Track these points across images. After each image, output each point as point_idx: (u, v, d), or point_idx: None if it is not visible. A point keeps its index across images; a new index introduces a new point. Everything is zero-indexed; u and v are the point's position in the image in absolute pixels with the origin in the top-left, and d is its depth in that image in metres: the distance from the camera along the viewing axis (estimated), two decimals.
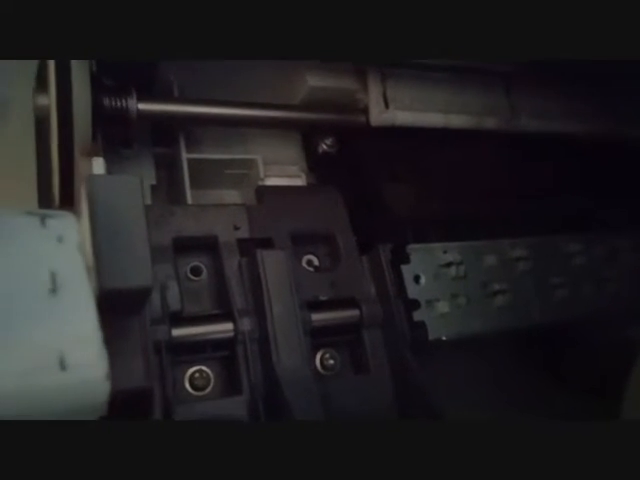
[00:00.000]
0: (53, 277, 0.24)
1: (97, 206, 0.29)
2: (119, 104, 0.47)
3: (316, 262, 0.55)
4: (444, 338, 0.51)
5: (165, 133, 0.55)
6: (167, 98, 0.52)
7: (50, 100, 0.43)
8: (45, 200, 0.46)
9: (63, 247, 0.26)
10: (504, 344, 0.60)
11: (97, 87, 0.46)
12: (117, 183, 0.30)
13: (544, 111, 0.68)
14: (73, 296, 0.25)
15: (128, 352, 0.34)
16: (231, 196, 0.61)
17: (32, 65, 0.49)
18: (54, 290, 0.24)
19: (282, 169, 0.60)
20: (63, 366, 0.23)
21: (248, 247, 0.49)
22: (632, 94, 0.72)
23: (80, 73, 0.44)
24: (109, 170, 0.49)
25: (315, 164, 0.61)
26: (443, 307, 0.53)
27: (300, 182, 0.60)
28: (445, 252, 0.55)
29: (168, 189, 0.57)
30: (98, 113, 0.45)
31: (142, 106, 0.48)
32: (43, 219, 0.26)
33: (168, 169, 0.56)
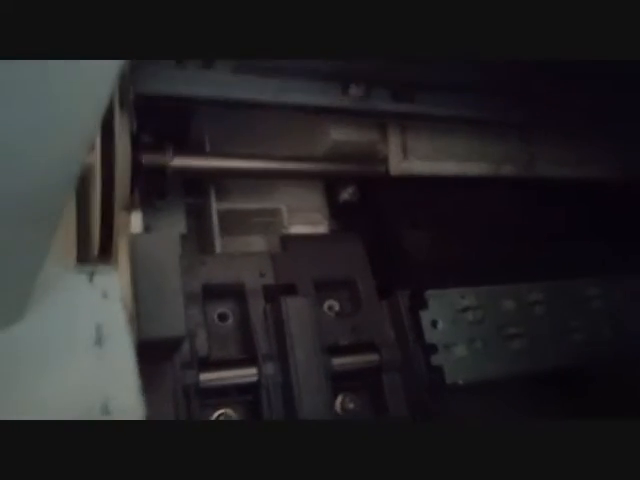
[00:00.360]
0: (99, 329, 0.27)
1: (138, 263, 0.32)
2: (156, 161, 0.50)
3: (337, 307, 0.57)
4: (461, 382, 0.52)
5: (196, 185, 0.58)
6: (199, 153, 0.56)
7: (95, 159, 0.47)
8: (84, 251, 0.49)
9: (107, 302, 0.29)
10: (521, 386, 0.61)
11: (136, 145, 0.49)
12: (156, 241, 0.34)
13: (560, 158, 0.70)
14: (116, 347, 0.27)
15: (161, 397, 0.36)
16: (257, 242, 0.64)
17: None
18: (99, 342, 0.27)
19: (306, 217, 0.63)
20: (106, 411, 0.26)
21: (273, 293, 0.52)
22: None
23: (122, 131, 0.48)
24: (143, 221, 0.53)
25: (337, 212, 0.64)
26: (460, 351, 0.54)
27: (323, 229, 0.63)
28: (462, 297, 0.57)
29: (198, 237, 0.60)
30: (137, 169, 0.49)
31: (177, 162, 0.52)
32: (91, 275, 0.29)
33: (198, 218, 0.60)
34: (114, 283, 0.29)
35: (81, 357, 0.27)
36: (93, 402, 0.26)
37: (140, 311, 0.31)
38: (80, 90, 0.21)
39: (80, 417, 0.26)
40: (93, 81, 0.21)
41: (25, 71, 0.20)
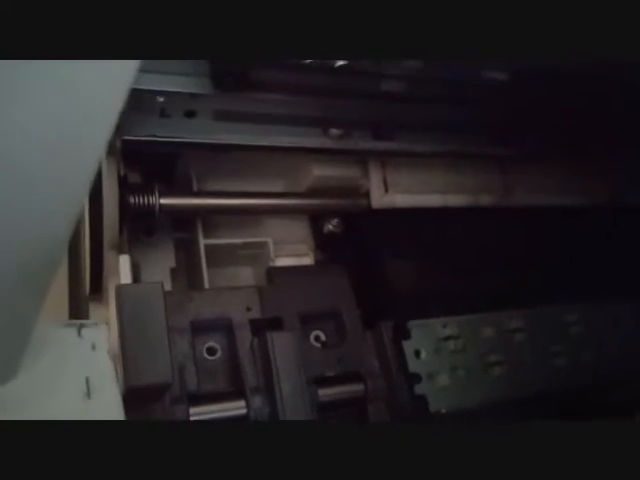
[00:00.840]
0: (87, 382, 0.29)
1: (124, 313, 0.34)
2: (144, 201, 0.52)
3: (323, 337, 0.59)
4: (444, 411, 0.54)
5: (184, 220, 0.60)
6: (186, 192, 0.58)
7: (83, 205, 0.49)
8: (75, 292, 0.51)
9: (96, 354, 0.30)
10: (506, 410, 0.62)
11: (124, 186, 0.51)
12: (142, 291, 0.35)
13: (538, 186, 0.72)
14: (104, 398, 0.29)
15: None
16: (245, 273, 0.65)
17: None
18: (88, 394, 0.28)
19: (291, 248, 0.64)
20: None
21: (260, 327, 0.53)
22: (627, 164, 0.76)
23: (109, 174, 0.50)
24: (133, 258, 0.55)
25: (322, 243, 0.66)
26: (443, 380, 0.56)
27: (308, 260, 0.65)
28: (444, 326, 0.58)
29: (187, 270, 0.62)
30: (125, 210, 0.51)
31: (164, 201, 0.53)
32: (79, 329, 0.31)
33: (186, 252, 0.61)
34: (101, 335, 0.31)
35: (72, 409, 0.28)
36: None
37: (127, 360, 0.32)
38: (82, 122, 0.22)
39: None
40: (97, 111, 0.22)
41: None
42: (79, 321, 0.32)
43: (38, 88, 0.21)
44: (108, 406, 0.29)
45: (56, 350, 0.29)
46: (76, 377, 0.29)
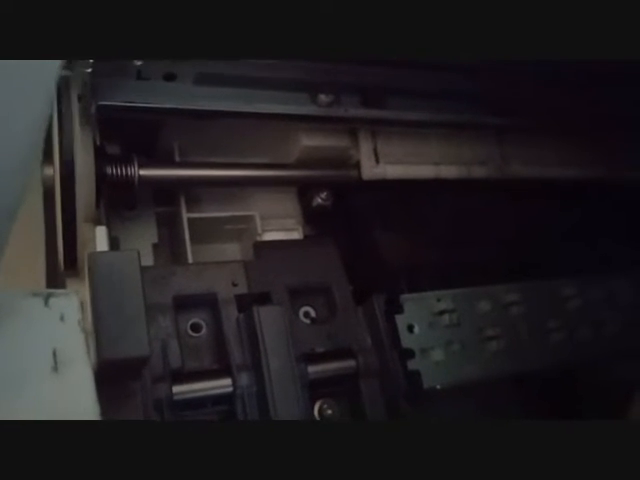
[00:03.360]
0: (55, 355, 0.27)
1: (98, 282, 0.31)
2: (122, 172, 0.49)
3: (313, 313, 0.57)
4: (438, 387, 0.52)
5: (166, 194, 0.57)
6: (167, 163, 0.55)
7: (54, 170, 0.46)
8: (52, 266, 0.48)
9: (65, 325, 0.28)
10: (500, 390, 0.61)
11: (100, 157, 0.49)
12: (116, 259, 0.33)
13: (536, 158, 0.70)
14: (74, 373, 0.27)
15: (129, 414, 0.36)
16: (231, 249, 0.63)
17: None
18: (56, 368, 0.26)
19: (279, 223, 0.62)
20: None
21: (246, 303, 0.51)
22: (625, 140, 0.74)
23: (84, 143, 0.47)
24: (113, 232, 0.52)
25: (311, 217, 0.64)
26: (438, 355, 0.54)
27: (297, 235, 0.63)
28: (438, 300, 0.56)
29: (170, 246, 0.59)
30: (101, 181, 0.48)
31: (143, 172, 0.51)
32: (47, 299, 0.28)
33: (169, 227, 0.59)
34: (72, 306, 0.29)
35: (38, 384, 0.26)
36: None
37: (100, 332, 0.30)
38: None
39: None
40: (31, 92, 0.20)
41: None
42: (46, 290, 0.29)
43: None
44: (78, 381, 0.27)
45: (20, 321, 0.27)
46: (43, 350, 0.26)
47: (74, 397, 0.26)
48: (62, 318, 0.28)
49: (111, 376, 0.31)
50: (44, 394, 0.26)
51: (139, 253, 0.34)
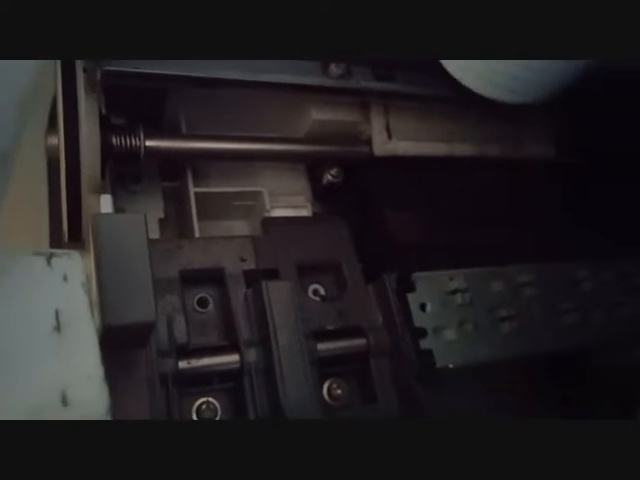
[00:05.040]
0: (57, 315, 0.25)
1: (102, 244, 0.30)
2: (127, 143, 0.48)
3: (322, 291, 0.55)
4: (451, 366, 0.51)
5: (173, 167, 0.56)
6: (174, 135, 0.54)
7: (59, 139, 0.45)
8: (56, 237, 0.47)
9: (67, 286, 0.27)
10: (512, 371, 0.59)
11: (106, 127, 0.47)
12: (122, 221, 0.32)
13: (548, 138, 0.69)
14: (76, 334, 0.26)
15: (133, 385, 0.34)
16: (239, 226, 0.62)
17: (46, 106, 0.51)
18: (58, 328, 0.25)
19: (288, 200, 0.61)
20: (65, 402, 0.24)
21: (254, 278, 0.50)
22: None
23: (89, 113, 0.46)
24: (119, 205, 0.51)
25: (320, 194, 0.62)
26: (450, 335, 0.53)
27: (306, 212, 0.61)
28: (451, 279, 0.55)
29: (176, 221, 0.58)
30: (107, 152, 0.47)
31: (150, 143, 0.49)
32: (49, 259, 0.27)
33: (176, 202, 0.57)
34: (76, 266, 0.28)
35: (39, 344, 0.25)
36: (52, 392, 0.24)
37: (105, 296, 0.29)
38: None
39: (39, 410, 0.25)
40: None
41: None
42: (49, 250, 0.28)
43: None
44: (81, 342, 0.26)
45: (21, 281, 0.26)
46: (44, 309, 0.25)
47: (77, 358, 0.25)
48: (65, 278, 0.27)
49: (116, 344, 0.30)
50: (45, 354, 0.25)
51: (146, 217, 0.33)
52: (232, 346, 0.47)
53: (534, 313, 0.57)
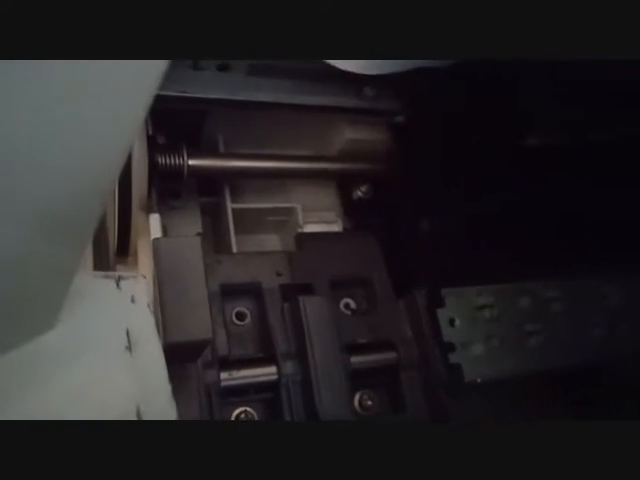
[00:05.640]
0: (128, 335, 0.27)
1: (162, 267, 0.32)
2: (172, 162, 0.50)
3: (353, 305, 0.57)
4: (479, 380, 0.52)
5: (211, 184, 0.58)
6: (213, 154, 0.56)
7: None
8: (100, 251, 0.49)
9: (135, 307, 0.29)
10: (540, 384, 0.61)
11: (152, 146, 0.50)
12: (180, 245, 0.34)
13: None
14: (146, 352, 0.28)
15: (187, 396, 0.36)
16: (271, 240, 0.64)
17: None
18: (129, 347, 0.27)
19: (319, 215, 0.63)
20: (139, 415, 0.26)
21: (290, 292, 0.52)
22: None
23: (139, 134, 0.48)
24: (161, 221, 0.53)
25: (351, 210, 0.64)
26: (478, 349, 0.54)
27: (337, 227, 0.63)
28: (479, 295, 0.56)
29: (213, 235, 0.60)
30: (153, 170, 0.49)
31: (192, 162, 0.52)
32: (118, 281, 0.29)
33: (213, 217, 0.60)
34: (141, 288, 0.30)
35: (113, 363, 0.27)
36: (126, 407, 0.26)
37: (166, 315, 0.31)
38: (122, 92, 0.21)
39: (117, 419, 0.27)
40: (136, 83, 0.21)
41: (60, 71, 0.20)
42: (116, 272, 0.30)
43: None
44: (151, 360, 0.28)
45: (94, 301, 0.28)
46: (116, 329, 0.27)
47: (148, 375, 0.27)
48: (133, 300, 0.29)
49: (174, 359, 0.32)
50: (119, 372, 0.27)
51: (200, 239, 0.35)
52: (269, 358, 0.49)
53: (560, 328, 0.59)
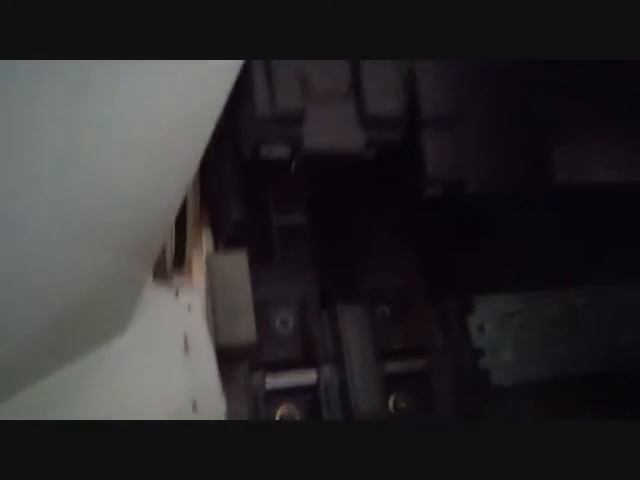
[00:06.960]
0: (185, 339, 0.32)
1: (214, 280, 0.37)
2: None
3: (388, 312, 0.61)
4: (508, 385, 0.55)
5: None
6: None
7: None
8: (158, 261, 0.54)
9: (192, 314, 0.33)
10: (568, 389, 0.62)
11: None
12: (229, 260, 0.38)
13: (613, 161, 0.71)
14: (201, 354, 0.32)
15: (235, 398, 0.41)
16: None
17: None
18: (187, 350, 0.32)
19: None
20: (195, 409, 0.31)
21: (329, 300, 0.56)
22: None
23: None
24: None
25: None
26: (507, 355, 0.57)
27: None
28: (509, 302, 0.59)
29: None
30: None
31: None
32: (177, 292, 0.34)
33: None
34: (196, 298, 0.34)
35: (173, 364, 0.32)
36: (185, 403, 0.31)
37: (217, 322, 0.36)
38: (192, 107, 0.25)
39: (176, 411, 0.31)
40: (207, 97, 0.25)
41: (130, 74, 0.24)
42: (175, 284, 0.35)
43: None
44: (205, 361, 0.32)
45: (157, 310, 0.32)
46: (175, 334, 0.32)
47: (202, 374, 0.32)
48: (189, 308, 0.34)
49: (224, 360, 0.37)
50: (178, 371, 0.31)
51: (246, 254, 0.40)
52: (310, 362, 0.53)
53: (588, 334, 0.61)
